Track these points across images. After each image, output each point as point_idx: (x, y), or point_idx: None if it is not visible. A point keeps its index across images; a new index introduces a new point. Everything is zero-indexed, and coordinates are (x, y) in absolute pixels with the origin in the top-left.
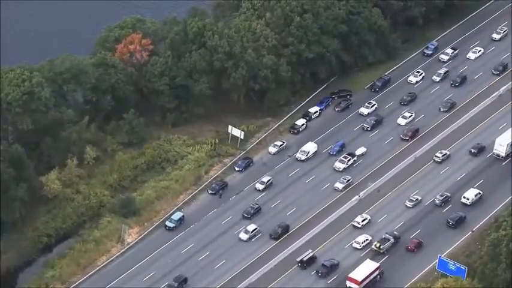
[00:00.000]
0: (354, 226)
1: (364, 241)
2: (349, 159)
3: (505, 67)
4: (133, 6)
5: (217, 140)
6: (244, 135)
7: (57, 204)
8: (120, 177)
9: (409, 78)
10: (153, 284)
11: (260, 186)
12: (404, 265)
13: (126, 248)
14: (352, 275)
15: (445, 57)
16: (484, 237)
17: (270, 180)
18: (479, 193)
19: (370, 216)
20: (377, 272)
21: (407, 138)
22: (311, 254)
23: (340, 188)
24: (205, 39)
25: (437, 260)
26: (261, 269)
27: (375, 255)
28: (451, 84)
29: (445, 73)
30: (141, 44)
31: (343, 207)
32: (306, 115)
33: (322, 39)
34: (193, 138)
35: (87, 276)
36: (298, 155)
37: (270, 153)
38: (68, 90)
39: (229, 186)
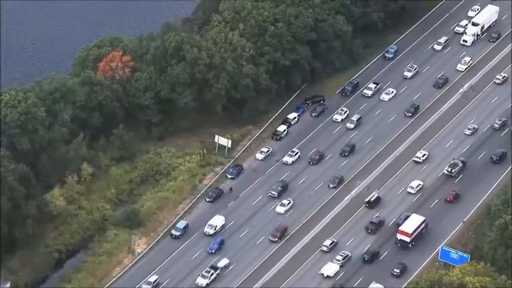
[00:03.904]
0: (414, 161)
1: (418, 186)
2: (212, 274)
3: (416, 108)
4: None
5: (205, 150)
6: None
7: (62, 220)
8: (118, 192)
9: (334, 117)
10: None
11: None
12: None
13: (138, 258)
14: (402, 228)
15: (369, 92)
16: (476, 227)
17: (156, 280)
18: None
19: (428, 152)
20: (423, 225)
21: (276, 239)
22: (376, 195)
23: None
24: (185, 52)
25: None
26: (273, 268)
27: (447, 178)
28: (341, 153)
29: (358, 120)
30: (122, 61)
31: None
32: (286, 121)
33: (296, 47)
34: (182, 150)
35: (105, 287)
36: (206, 230)
37: (257, 159)
38: (59, 110)
39: (224, 192)
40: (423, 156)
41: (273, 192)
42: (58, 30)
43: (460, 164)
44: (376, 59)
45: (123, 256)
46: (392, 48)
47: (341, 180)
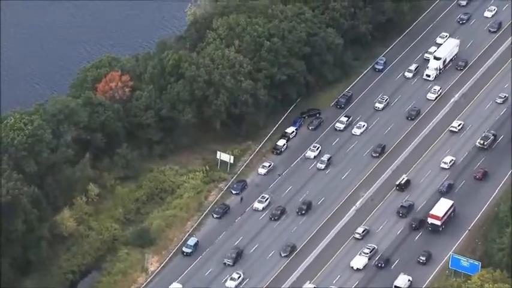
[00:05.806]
0: (451, 131)
1: (451, 161)
2: None
3: (383, 148)
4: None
5: (207, 167)
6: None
7: (74, 241)
8: (125, 211)
9: (307, 154)
10: None
11: None
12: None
13: (152, 277)
14: (433, 211)
15: (341, 126)
16: (483, 234)
17: None
18: None
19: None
20: (452, 209)
21: None
22: (406, 178)
23: None
24: (183, 70)
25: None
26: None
27: (479, 151)
28: (297, 212)
29: (328, 160)
30: (121, 80)
31: None
32: (285, 135)
33: (291, 61)
34: (184, 167)
35: None
36: None
37: (260, 174)
38: (63, 131)
39: (231, 208)
40: (459, 125)
41: (228, 261)
42: (49, 51)
43: (492, 137)
44: (367, 71)
45: (137, 275)
46: (382, 59)
47: (293, 249)
